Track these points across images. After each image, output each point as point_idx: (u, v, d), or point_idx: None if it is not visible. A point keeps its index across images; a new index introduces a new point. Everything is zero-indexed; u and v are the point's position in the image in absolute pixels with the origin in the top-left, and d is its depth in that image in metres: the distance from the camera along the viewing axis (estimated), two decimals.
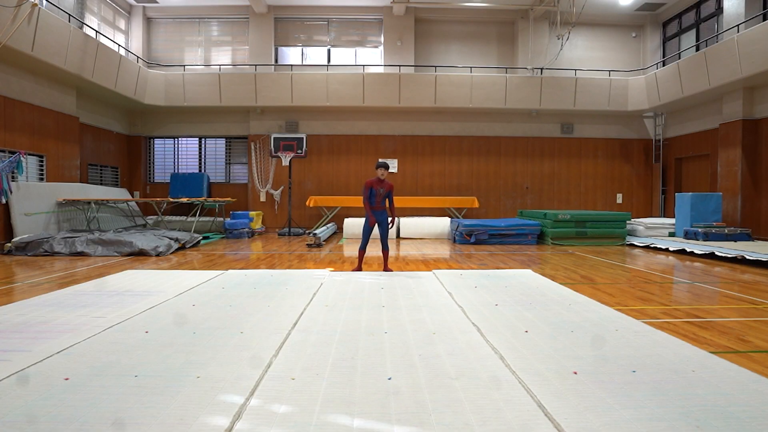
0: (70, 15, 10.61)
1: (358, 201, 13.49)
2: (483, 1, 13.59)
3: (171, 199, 11.71)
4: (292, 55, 14.75)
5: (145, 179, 14.75)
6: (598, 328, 3.71)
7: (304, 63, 14.66)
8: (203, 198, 12.71)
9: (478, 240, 10.69)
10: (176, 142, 14.93)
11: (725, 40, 10.84)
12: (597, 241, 10.66)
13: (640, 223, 11.75)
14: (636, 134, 14.88)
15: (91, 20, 12.43)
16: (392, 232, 12.68)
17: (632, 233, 11.55)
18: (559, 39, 13.46)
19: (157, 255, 8.38)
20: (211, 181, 14.74)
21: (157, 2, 13.95)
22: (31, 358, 2.95)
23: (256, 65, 13.98)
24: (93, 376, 2.69)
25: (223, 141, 14.92)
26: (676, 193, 11.82)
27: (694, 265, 7.54)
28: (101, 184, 13.13)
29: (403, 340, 3.42)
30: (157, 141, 14.94)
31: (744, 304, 4.74)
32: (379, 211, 6.41)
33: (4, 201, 8.96)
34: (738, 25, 10.87)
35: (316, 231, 10.63)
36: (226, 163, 14.94)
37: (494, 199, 14.63)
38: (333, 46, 14.67)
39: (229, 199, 13.02)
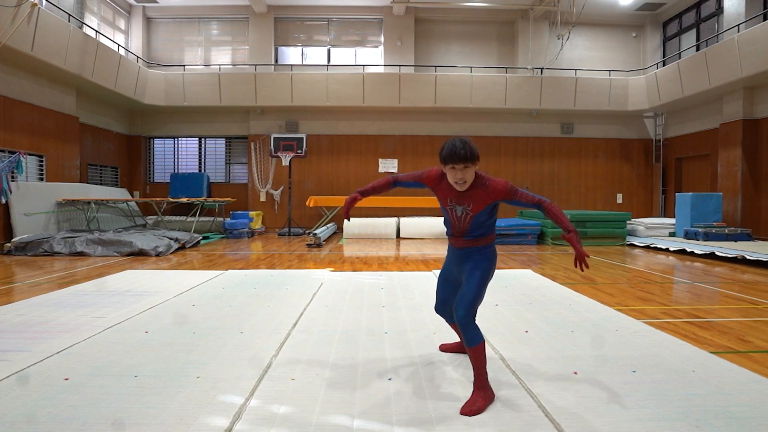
0: (69, 15, 10.59)
1: None
2: (483, 1, 13.58)
3: (171, 199, 11.71)
4: (292, 54, 14.74)
5: (145, 179, 14.75)
6: (599, 328, 3.71)
7: (304, 63, 14.65)
8: (203, 198, 12.70)
9: None
10: (176, 142, 14.92)
11: (725, 40, 10.83)
12: (597, 241, 10.65)
13: (641, 223, 11.74)
14: (636, 134, 14.88)
15: (91, 20, 12.42)
16: (391, 231, 12.57)
17: (632, 233, 11.54)
18: (559, 39, 13.45)
19: (157, 255, 8.37)
20: (211, 181, 14.73)
21: (157, 2, 13.94)
22: (31, 358, 2.95)
23: (256, 65, 13.97)
24: (93, 376, 2.68)
25: (223, 141, 14.91)
26: (676, 193, 11.81)
27: (694, 265, 7.53)
28: (101, 184, 13.12)
29: (404, 340, 3.42)
30: (156, 141, 14.94)
31: (744, 304, 4.74)
32: (459, 248, 2.62)
33: (3, 201, 8.96)
34: (738, 25, 10.86)
35: (316, 231, 10.62)
36: (226, 163, 14.93)
37: None
38: (333, 46, 14.66)
39: (229, 199, 13.02)
